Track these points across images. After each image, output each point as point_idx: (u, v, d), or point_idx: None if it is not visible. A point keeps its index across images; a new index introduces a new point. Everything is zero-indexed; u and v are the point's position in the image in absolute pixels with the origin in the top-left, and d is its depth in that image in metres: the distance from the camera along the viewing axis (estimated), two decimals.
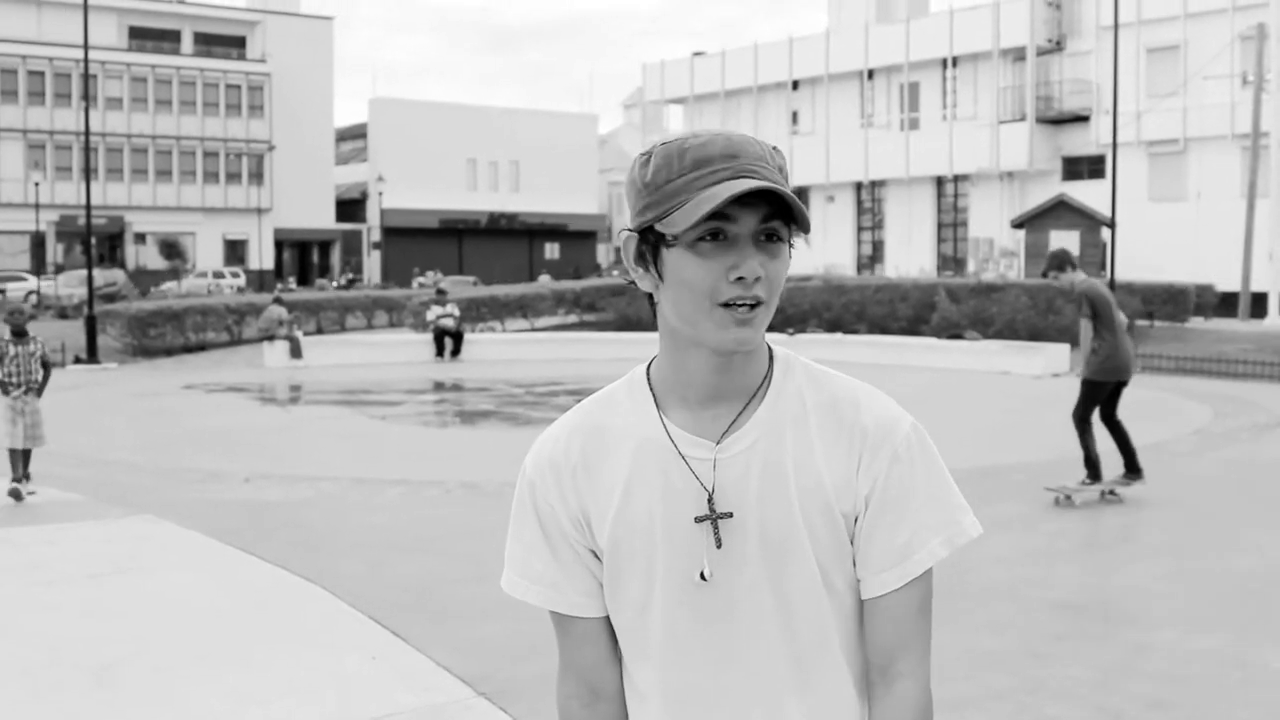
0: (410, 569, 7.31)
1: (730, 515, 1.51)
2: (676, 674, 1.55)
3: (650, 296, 1.54)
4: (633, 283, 1.55)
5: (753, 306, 1.45)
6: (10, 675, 5.31)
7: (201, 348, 27.13)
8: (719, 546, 1.51)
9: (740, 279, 1.44)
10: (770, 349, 1.58)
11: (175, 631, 5.98)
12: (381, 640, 5.84)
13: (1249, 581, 6.96)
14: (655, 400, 1.56)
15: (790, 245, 1.50)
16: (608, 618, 1.60)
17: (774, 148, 1.50)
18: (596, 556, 1.58)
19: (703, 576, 1.51)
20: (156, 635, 5.94)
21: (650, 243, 1.50)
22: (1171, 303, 28.52)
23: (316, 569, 7.19)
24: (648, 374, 1.59)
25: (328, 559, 7.52)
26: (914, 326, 27.19)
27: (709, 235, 1.44)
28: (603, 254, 73.70)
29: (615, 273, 52.91)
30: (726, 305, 1.45)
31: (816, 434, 1.53)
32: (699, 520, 1.51)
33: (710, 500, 1.51)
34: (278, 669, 5.40)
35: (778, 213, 1.45)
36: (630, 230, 1.52)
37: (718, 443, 1.53)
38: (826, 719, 1.55)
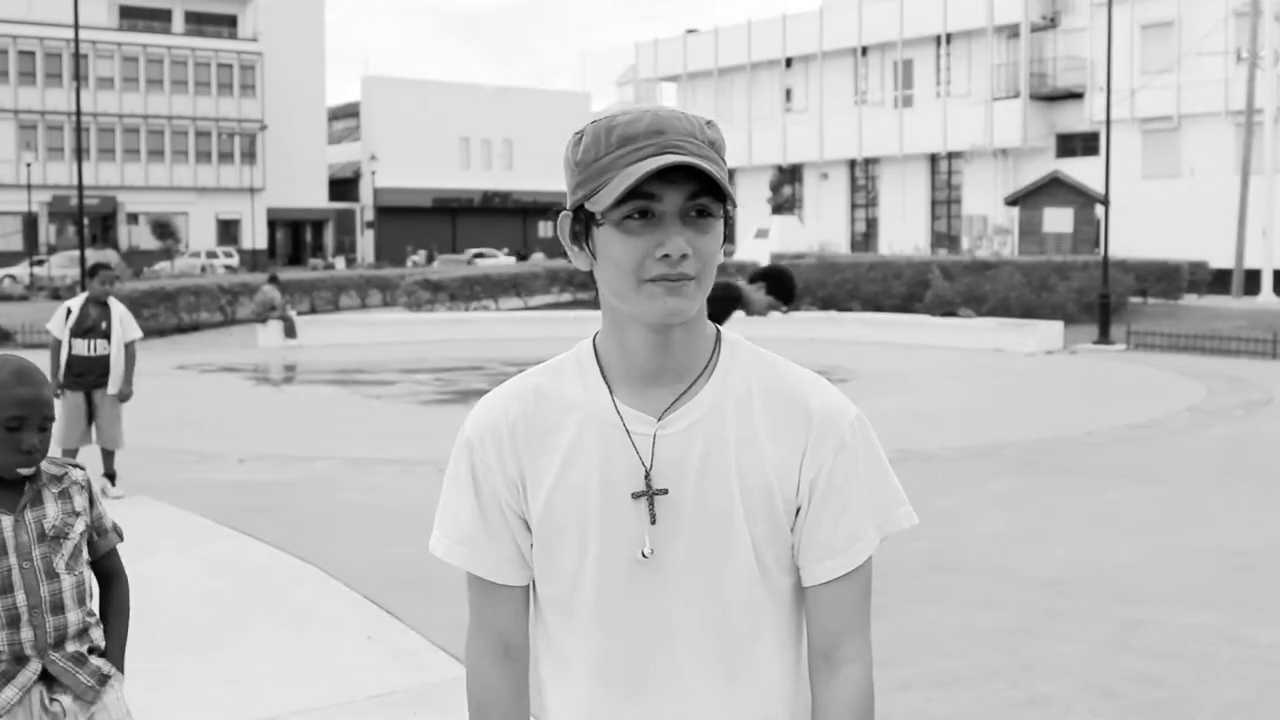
0: (404, 548, 7.31)
1: (666, 491, 1.50)
2: (607, 647, 1.55)
3: (592, 273, 1.53)
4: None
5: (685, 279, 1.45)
6: None
7: (195, 328, 27.08)
8: (654, 523, 1.51)
9: (666, 256, 1.43)
10: (718, 330, 1.58)
11: (170, 613, 5.99)
12: (376, 620, 5.85)
13: (1240, 558, 6.99)
14: (602, 372, 1.56)
15: (727, 219, 1.49)
16: (527, 586, 1.60)
17: (707, 122, 1.49)
18: (527, 526, 1.57)
19: (643, 554, 1.51)
20: (151, 617, 5.94)
21: (583, 221, 1.50)
22: (1165, 280, 28.52)
23: (311, 549, 7.19)
24: (595, 347, 1.58)
25: (322, 539, 7.53)
26: (908, 304, 27.20)
27: (636, 214, 1.44)
28: None
29: None
30: (653, 281, 1.44)
31: (761, 418, 1.52)
32: (635, 496, 1.51)
33: (647, 476, 1.51)
34: (273, 650, 5.41)
35: (706, 189, 1.44)
36: (565, 210, 1.52)
37: (659, 419, 1.52)
38: (756, 700, 1.55)
